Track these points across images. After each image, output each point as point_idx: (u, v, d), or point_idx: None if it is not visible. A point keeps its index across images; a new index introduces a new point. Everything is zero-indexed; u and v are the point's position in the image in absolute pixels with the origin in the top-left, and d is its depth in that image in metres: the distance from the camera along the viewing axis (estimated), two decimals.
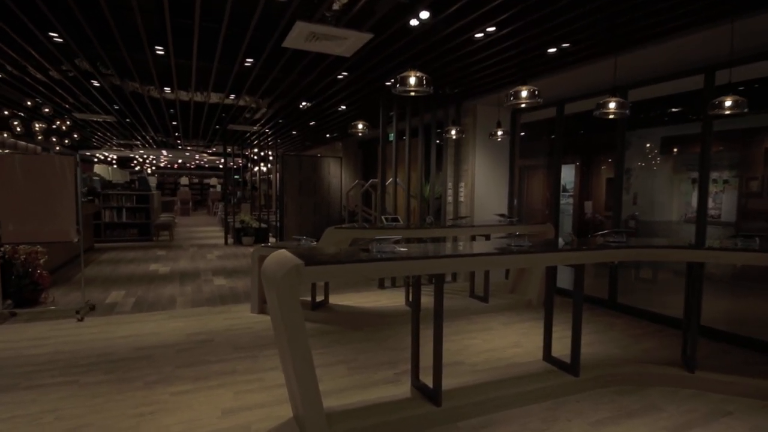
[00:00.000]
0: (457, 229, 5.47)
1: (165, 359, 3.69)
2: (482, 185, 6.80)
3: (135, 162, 25.17)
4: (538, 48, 4.29)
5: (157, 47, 4.63)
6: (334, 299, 5.49)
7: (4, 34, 4.35)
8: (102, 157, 20.80)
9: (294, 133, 11.36)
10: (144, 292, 5.97)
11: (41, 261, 5.35)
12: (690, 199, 7.35)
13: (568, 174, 9.88)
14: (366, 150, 12.54)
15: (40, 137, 8.45)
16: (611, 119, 3.53)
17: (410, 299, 4.87)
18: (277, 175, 11.64)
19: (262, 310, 5.04)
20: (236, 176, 15.54)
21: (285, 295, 2.26)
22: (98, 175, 13.45)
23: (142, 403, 2.94)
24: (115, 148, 16.98)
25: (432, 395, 2.84)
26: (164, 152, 19.62)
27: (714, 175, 5.80)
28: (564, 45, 4.13)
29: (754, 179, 5.75)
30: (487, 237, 5.42)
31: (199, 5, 3.55)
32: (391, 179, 7.16)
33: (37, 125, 7.56)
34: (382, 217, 5.73)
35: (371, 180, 9.38)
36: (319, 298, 5.19)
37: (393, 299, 5.73)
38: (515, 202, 7.11)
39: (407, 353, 3.84)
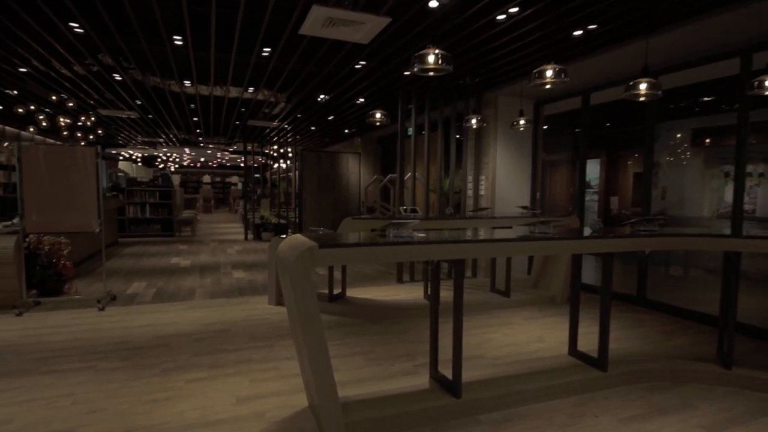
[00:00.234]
0: (478, 221, 5.33)
1: (182, 348, 3.67)
2: (503, 178, 6.63)
3: (159, 160, 25.67)
4: (562, 30, 4.12)
5: (175, 37, 4.64)
6: (352, 293, 5.42)
7: (28, 26, 4.42)
8: (127, 155, 21.27)
9: (313, 128, 11.36)
10: (164, 284, 6.01)
11: (65, 252, 5.44)
12: (722, 193, 7.03)
13: (592, 169, 9.61)
14: (385, 145, 12.46)
15: (65, 132, 8.62)
16: (639, 111, 3.35)
17: (429, 293, 4.77)
18: (297, 172, 11.67)
19: (279, 302, 5.00)
20: (256, 174, 15.68)
21: (298, 278, 2.19)
22: (123, 172, 13.73)
23: (158, 389, 2.92)
24: (139, 146, 17.33)
25: (451, 387, 2.73)
26: (187, 150, 19.94)
27: (748, 168, 5.51)
28: (591, 27, 3.95)
29: None
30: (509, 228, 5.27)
31: None
32: (409, 174, 7.06)
33: (62, 120, 7.71)
34: (401, 208, 5.63)
35: (390, 175, 9.31)
36: (337, 291, 5.13)
37: (411, 293, 5.63)
38: (538, 195, 6.91)
39: (425, 346, 3.74)
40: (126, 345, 3.71)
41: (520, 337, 4.11)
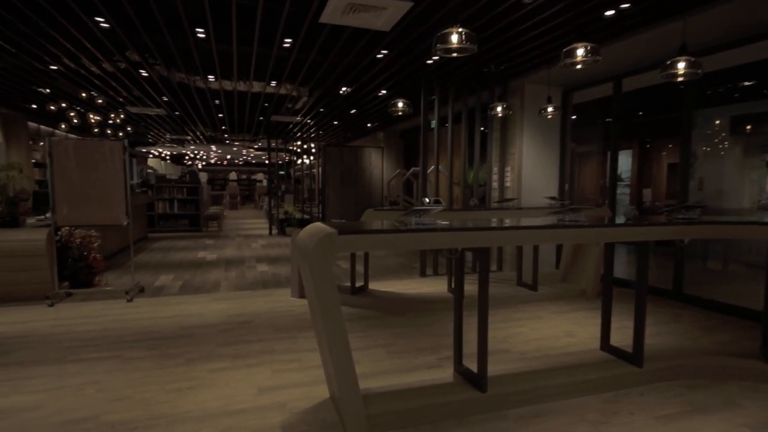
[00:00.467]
0: (504, 212, 5.18)
1: (206, 338, 3.69)
2: (530, 170, 6.43)
3: (187, 158, 26.24)
4: (593, 10, 3.93)
5: (198, 30, 4.66)
6: (374, 285, 5.37)
7: (56, 22, 4.52)
8: (157, 153, 21.81)
9: (335, 123, 11.35)
10: (191, 277, 6.10)
11: (95, 245, 5.56)
12: (764, 183, 6.66)
13: (623, 161, 9.27)
14: (407, 139, 12.34)
15: (96, 130, 8.85)
16: (675, 97, 3.14)
17: (453, 286, 4.66)
18: (320, 168, 11.70)
19: (302, 295, 4.99)
20: (281, 171, 15.83)
21: (318, 265, 2.13)
22: (152, 168, 14.05)
23: (182, 378, 2.93)
24: (168, 144, 17.74)
25: (477, 381, 2.63)
26: (213, 148, 20.31)
27: None
28: (623, 6, 3.76)
29: None
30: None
31: None
32: (432, 167, 6.94)
33: (92, 117, 7.91)
34: (423, 200, 5.53)
35: (412, 169, 9.19)
36: (359, 284, 5.08)
37: (435, 286, 5.53)
38: (566, 186, 6.68)
39: (449, 339, 3.66)
40: (152, 335, 3.75)
41: (549, 331, 3.97)
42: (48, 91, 7.70)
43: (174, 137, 15.29)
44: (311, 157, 15.95)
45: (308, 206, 14.22)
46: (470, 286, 3.14)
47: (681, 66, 3.02)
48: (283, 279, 6.01)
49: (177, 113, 10.17)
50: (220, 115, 10.46)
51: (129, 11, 4.20)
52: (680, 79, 3.11)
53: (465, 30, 2.49)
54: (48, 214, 5.42)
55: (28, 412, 2.47)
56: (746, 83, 6.49)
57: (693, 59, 3.01)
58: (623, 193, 8.90)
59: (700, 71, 3.02)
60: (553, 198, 5.54)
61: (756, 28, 4.05)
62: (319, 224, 2.42)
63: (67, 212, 4.81)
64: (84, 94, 7.39)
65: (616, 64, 5.27)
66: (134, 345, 3.52)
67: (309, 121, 10.92)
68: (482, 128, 6.75)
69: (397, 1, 3.63)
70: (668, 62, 3.09)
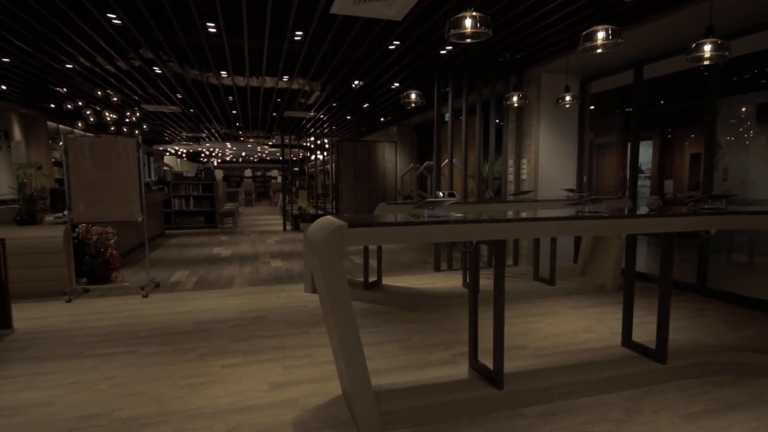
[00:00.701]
0: (520, 204, 5.06)
1: (219, 333, 3.68)
2: (547, 161, 6.28)
3: (203, 156, 26.51)
4: None
5: (209, 24, 4.64)
6: (388, 281, 5.31)
7: (71, 21, 4.54)
8: (173, 151, 22.08)
9: (348, 117, 11.29)
10: (206, 273, 6.13)
11: (112, 241, 5.62)
12: None
13: (644, 151, 9.01)
14: (421, 133, 12.23)
15: (112, 128, 8.96)
16: (698, 85, 2.99)
17: (467, 281, 4.58)
18: (333, 165, 11.67)
19: (315, 290, 4.96)
20: (295, 168, 15.87)
21: (327, 258, 2.08)
22: (168, 166, 14.20)
23: (194, 374, 2.92)
24: (184, 142, 17.92)
25: (493, 377, 2.56)
26: (228, 145, 20.46)
27: None
28: None
29: None
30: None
31: None
32: (447, 161, 6.83)
33: (108, 116, 8.01)
34: (437, 193, 5.43)
35: (426, 163, 9.09)
36: (372, 279, 5.03)
37: (449, 281, 5.45)
38: (585, 178, 6.51)
39: (464, 335, 3.58)
40: (166, 330, 3.76)
41: (567, 326, 3.86)
42: (65, 90, 7.81)
43: (190, 135, 15.44)
44: (325, 153, 15.96)
45: (322, 202, 14.24)
46: (485, 281, 3.07)
47: (707, 48, 2.87)
48: (296, 274, 6.00)
49: (192, 111, 10.23)
50: (234, 112, 10.49)
51: (140, 7, 4.20)
52: (707, 62, 2.96)
53: (479, 14, 2.39)
54: (65, 212, 5.49)
55: (41, 408, 2.48)
56: None
57: (720, 41, 2.86)
58: (643, 185, 8.67)
59: (727, 53, 2.87)
60: (571, 190, 5.40)
61: None
62: (329, 217, 2.36)
63: (83, 209, 4.86)
64: (100, 93, 7.48)
65: (637, 51, 5.09)
66: (148, 340, 3.53)
67: (322, 116, 10.88)
68: (497, 120, 6.61)
69: None
70: (694, 45, 2.94)
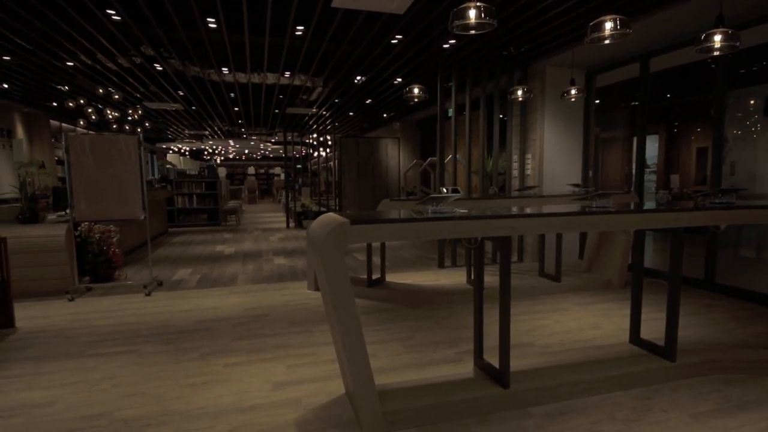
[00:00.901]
0: (525, 200, 5.00)
1: (221, 332, 3.65)
2: (552, 156, 6.21)
3: (206, 153, 26.52)
4: None
5: (209, 20, 4.59)
6: (391, 278, 5.27)
7: (70, 18, 4.50)
8: (176, 149, 22.08)
9: (351, 114, 11.23)
10: (209, 270, 6.11)
11: (114, 240, 5.61)
12: None
13: (650, 146, 8.91)
14: (424, 129, 12.16)
15: (114, 126, 8.94)
16: (705, 78, 2.92)
17: (472, 278, 4.53)
18: (336, 162, 11.63)
19: (318, 287, 4.92)
20: (298, 165, 15.86)
21: (330, 256, 2.04)
22: (171, 164, 14.20)
23: (196, 373, 2.89)
24: (187, 140, 17.92)
25: (498, 376, 2.51)
26: (231, 143, 20.43)
27: None
28: None
29: None
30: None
31: None
32: (450, 156, 6.77)
33: (110, 113, 7.99)
34: (441, 188, 5.38)
35: (429, 159, 9.03)
36: (375, 276, 4.99)
37: (453, 278, 5.40)
38: (590, 173, 6.44)
39: (468, 333, 3.54)
40: (168, 329, 3.73)
41: (573, 323, 3.81)
42: (66, 88, 7.79)
43: (192, 133, 15.42)
44: (327, 150, 15.91)
45: (325, 199, 14.21)
46: (490, 278, 3.02)
47: (718, 39, 2.80)
48: (299, 272, 5.97)
49: (194, 108, 10.20)
50: (236, 109, 10.46)
51: (140, 3, 4.16)
52: (716, 53, 2.88)
53: (483, 4, 2.34)
54: (67, 210, 5.48)
55: (42, 408, 2.46)
56: None
57: (731, 31, 2.78)
58: (649, 180, 8.58)
59: (738, 44, 2.80)
60: (576, 185, 5.33)
61: None
62: (331, 214, 2.32)
63: (85, 207, 4.84)
64: (101, 90, 7.45)
65: (643, 43, 5.00)
66: (150, 339, 3.51)
67: (324, 112, 10.83)
68: (501, 115, 6.54)
69: None
70: (703, 35, 2.87)
